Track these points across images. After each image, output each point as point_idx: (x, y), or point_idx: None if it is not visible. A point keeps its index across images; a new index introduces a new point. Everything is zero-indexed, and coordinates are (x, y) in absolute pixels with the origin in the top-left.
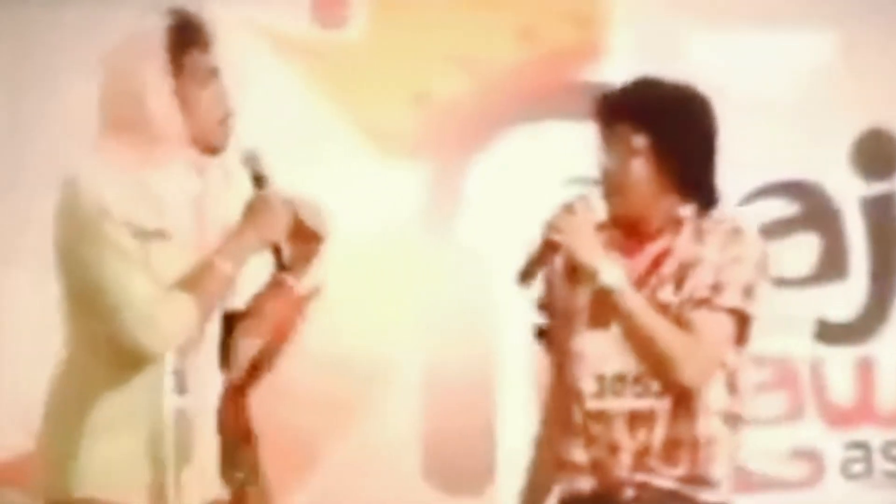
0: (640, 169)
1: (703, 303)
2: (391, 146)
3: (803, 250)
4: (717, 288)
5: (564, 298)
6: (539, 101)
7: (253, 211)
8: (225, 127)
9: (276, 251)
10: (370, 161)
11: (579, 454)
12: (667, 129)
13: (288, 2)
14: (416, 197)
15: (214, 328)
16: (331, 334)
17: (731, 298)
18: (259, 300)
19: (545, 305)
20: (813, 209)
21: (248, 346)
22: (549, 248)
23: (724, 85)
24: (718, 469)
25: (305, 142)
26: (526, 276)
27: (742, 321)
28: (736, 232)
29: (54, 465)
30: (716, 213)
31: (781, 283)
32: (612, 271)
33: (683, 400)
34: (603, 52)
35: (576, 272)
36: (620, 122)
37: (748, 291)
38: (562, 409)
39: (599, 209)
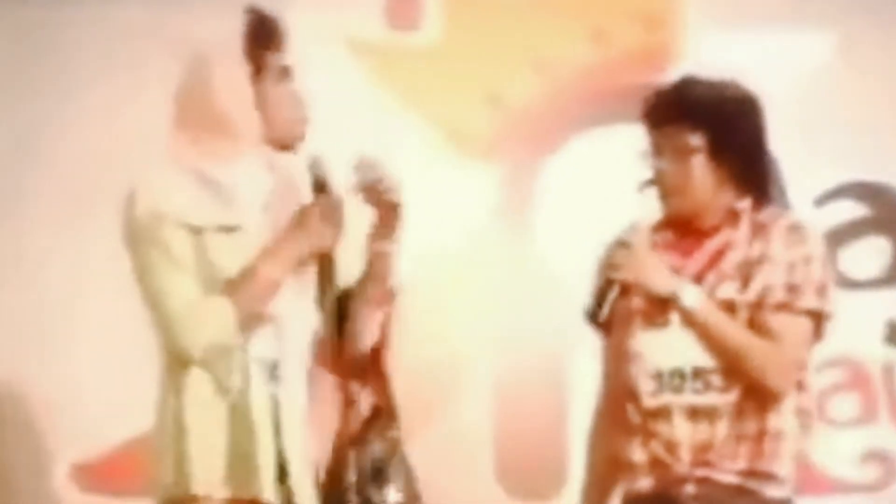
0: (699, 167)
1: (782, 307)
2: (464, 148)
3: (874, 253)
4: (793, 290)
5: (618, 304)
6: (611, 104)
7: (306, 217)
8: (299, 124)
9: (325, 261)
10: (443, 163)
11: (638, 454)
12: (722, 126)
13: (362, 5)
14: (488, 198)
15: (308, 317)
16: (404, 335)
17: (808, 300)
18: (361, 280)
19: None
20: (884, 211)
21: (372, 315)
22: (618, 288)
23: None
24: (784, 465)
25: (378, 144)
26: (595, 314)
27: (819, 320)
28: (797, 228)
29: (166, 464)
30: (769, 209)
31: (852, 285)
32: (690, 292)
33: (753, 395)
34: (675, 55)
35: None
36: (676, 122)
37: (822, 290)
38: (616, 408)
39: (653, 210)
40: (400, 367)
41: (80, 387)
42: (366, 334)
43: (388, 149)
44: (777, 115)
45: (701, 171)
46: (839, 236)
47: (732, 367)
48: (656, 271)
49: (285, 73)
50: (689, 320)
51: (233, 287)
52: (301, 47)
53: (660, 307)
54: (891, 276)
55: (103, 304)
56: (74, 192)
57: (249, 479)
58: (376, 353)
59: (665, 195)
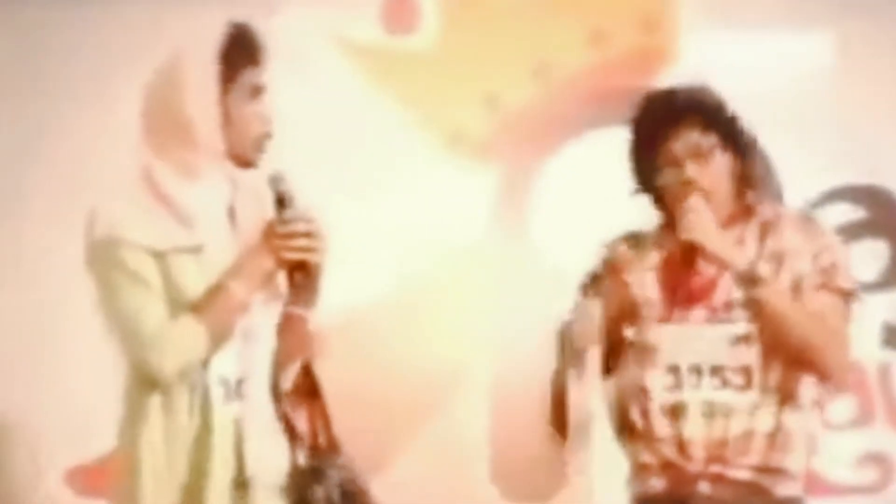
0: (721, 164)
1: (822, 287)
2: (462, 150)
3: (871, 256)
4: (826, 273)
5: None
6: (609, 107)
7: (271, 233)
8: (261, 143)
9: (291, 276)
10: (441, 165)
11: (647, 456)
12: (726, 124)
13: (357, 8)
14: (486, 200)
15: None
16: (400, 337)
17: (844, 280)
18: (277, 332)
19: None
20: (881, 214)
21: (285, 375)
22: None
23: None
24: (796, 461)
25: (374, 146)
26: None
27: (849, 303)
28: (809, 220)
29: (126, 479)
30: (768, 205)
31: None
32: (755, 263)
33: (780, 392)
34: (672, 57)
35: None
36: (688, 125)
37: (847, 270)
38: (621, 402)
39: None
40: (396, 369)
41: (77, 389)
42: (285, 379)
43: (383, 151)
44: (774, 116)
45: (722, 169)
46: None
47: (791, 349)
48: (721, 235)
49: (256, 91)
50: (753, 294)
51: (201, 307)
52: (297, 51)
53: (685, 299)
54: (888, 280)
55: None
56: (74, 192)
57: (200, 499)
58: (308, 390)
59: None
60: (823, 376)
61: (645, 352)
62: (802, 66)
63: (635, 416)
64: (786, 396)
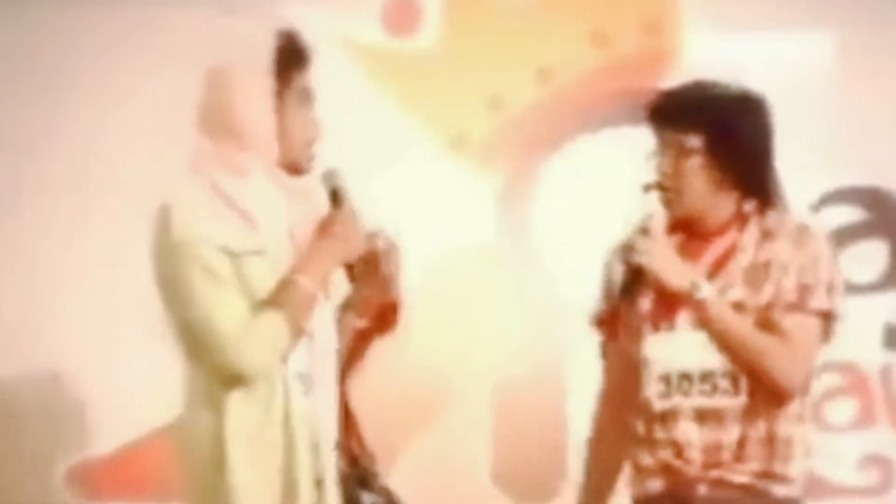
0: (696, 168)
1: (793, 307)
2: (465, 152)
3: (872, 257)
4: (804, 290)
5: (626, 310)
6: (611, 108)
7: (330, 227)
8: (312, 149)
9: (350, 269)
10: (444, 167)
11: (646, 459)
12: (721, 128)
13: (359, 10)
14: (489, 202)
15: (329, 325)
16: (404, 340)
17: (819, 300)
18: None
19: (605, 320)
20: (882, 215)
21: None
22: (635, 272)
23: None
24: (794, 466)
25: (377, 149)
26: (600, 318)
27: (828, 322)
28: (804, 230)
29: (205, 484)
30: (775, 212)
31: (850, 289)
32: (706, 286)
33: (762, 397)
34: (674, 58)
35: (639, 283)
36: (674, 124)
37: (831, 290)
38: (618, 413)
39: (661, 214)
40: (401, 372)
41: (79, 388)
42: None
43: (385, 153)
44: (775, 118)
45: (698, 173)
46: (837, 240)
47: (744, 366)
48: (673, 263)
49: (307, 95)
50: (703, 316)
51: (277, 302)
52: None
53: (668, 308)
54: (889, 280)
55: (102, 305)
56: (74, 192)
57: (292, 498)
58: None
59: (665, 197)
60: (775, 393)
61: (643, 364)
62: (803, 67)
63: (636, 424)
64: (775, 401)
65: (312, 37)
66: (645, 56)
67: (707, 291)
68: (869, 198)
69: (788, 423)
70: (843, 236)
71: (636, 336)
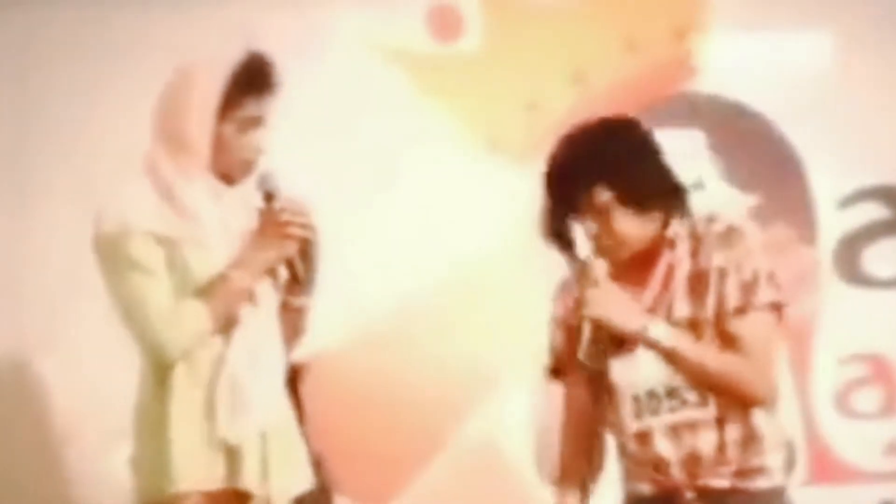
0: (618, 216)
1: (741, 310)
2: (503, 154)
3: (893, 252)
4: (747, 288)
5: (593, 362)
6: (645, 111)
7: (267, 224)
8: (248, 169)
9: (290, 264)
10: (482, 168)
11: (633, 468)
12: (614, 166)
13: (403, 15)
14: (525, 202)
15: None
16: (442, 336)
17: (764, 294)
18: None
19: (562, 353)
20: None
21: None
22: (594, 326)
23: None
24: (771, 458)
25: (416, 150)
26: (553, 368)
27: (779, 310)
28: (731, 230)
29: (146, 467)
30: (700, 213)
31: (874, 283)
32: (657, 326)
33: (737, 402)
34: (703, 63)
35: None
36: (576, 188)
37: (771, 279)
38: (582, 435)
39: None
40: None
41: (82, 382)
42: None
43: (426, 155)
44: (802, 119)
45: (622, 218)
46: (861, 237)
47: (712, 389)
48: (622, 307)
49: (254, 122)
50: (659, 351)
51: (205, 293)
52: (344, 57)
53: (626, 338)
54: None
55: (102, 305)
56: (74, 192)
57: (232, 470)
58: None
59: (605, 254)
60: (747, 405)
61: (611, 391)
62: (827, 69)
63: (616, 441)
64: (746, 405)
65: (354, 41)
66: (674, 62)
67: (657, 331)
68: (892, 196)
69: (761, 420)
70: (868, 233)
71: (596, 373)
